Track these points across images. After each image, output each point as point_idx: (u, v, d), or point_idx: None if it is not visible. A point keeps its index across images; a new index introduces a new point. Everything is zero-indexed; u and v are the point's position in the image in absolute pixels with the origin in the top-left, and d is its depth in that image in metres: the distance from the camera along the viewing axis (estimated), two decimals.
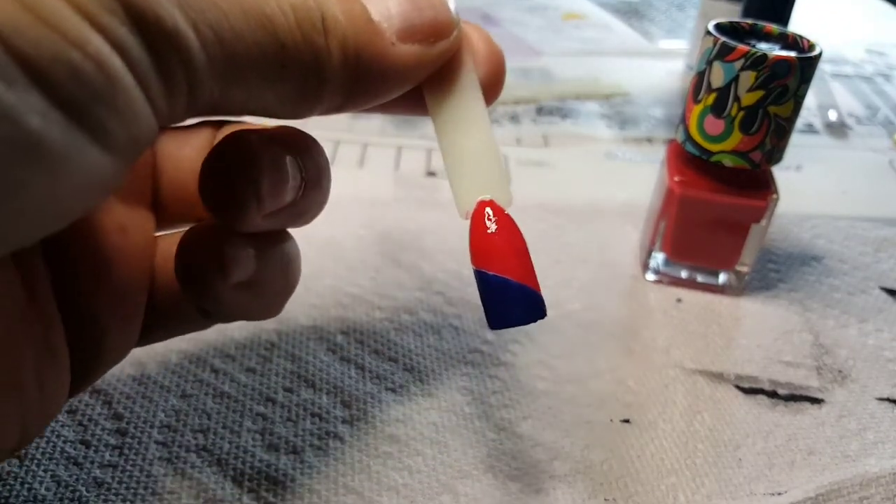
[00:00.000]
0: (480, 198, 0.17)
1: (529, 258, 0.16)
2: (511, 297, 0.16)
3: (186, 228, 0.18)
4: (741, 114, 0.26)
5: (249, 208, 0.15)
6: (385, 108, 0.18)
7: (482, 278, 0.16)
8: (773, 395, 0.26)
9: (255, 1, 0.12)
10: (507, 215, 0.17)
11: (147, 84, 0.11)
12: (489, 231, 0.16)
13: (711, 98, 0.27)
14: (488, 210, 0.16)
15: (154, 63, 0.11)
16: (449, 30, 0.16)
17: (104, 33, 0.10)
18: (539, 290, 0.16)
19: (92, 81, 0.10)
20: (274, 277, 0.18)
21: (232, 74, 0.12)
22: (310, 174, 0.17)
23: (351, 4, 0.14)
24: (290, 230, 0.19)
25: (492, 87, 0.17)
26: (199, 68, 0.12)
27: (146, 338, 0.19)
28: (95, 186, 0.11)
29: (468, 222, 0.17)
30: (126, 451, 0.22)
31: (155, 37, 0.11)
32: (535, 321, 0.16)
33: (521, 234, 0.17)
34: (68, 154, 0.10)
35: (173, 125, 0.13)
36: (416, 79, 0.16)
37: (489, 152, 0.17)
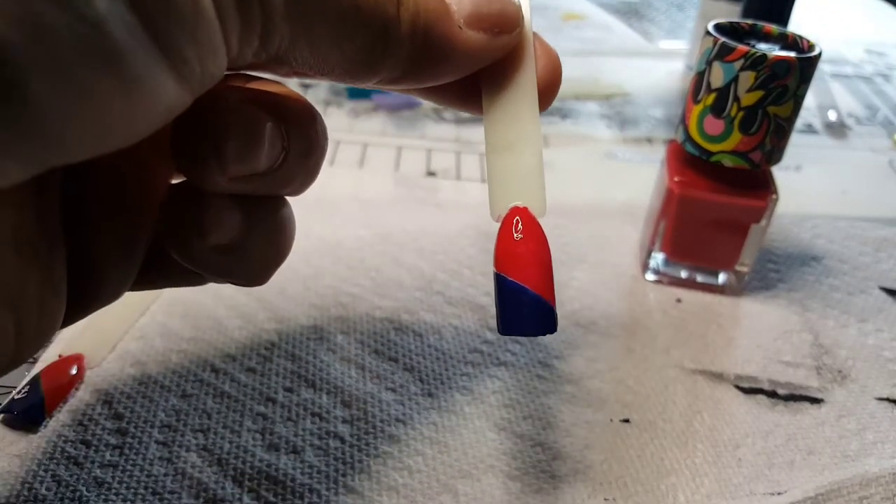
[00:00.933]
0: (514, 203, 0.16)
1: (551, 272, 0.16)
2: (525, 306, 0.16)
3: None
4: (741, 114, 0.26)
5: (211, 169, 0.15)
6: (435, 96, 0.18)
7: (501, 282, 0.16)
8: (772, 394, 0.26)
9: None
10: (538, 225, 0.16)
11: (226, 21, 0.11)
12: (516, 238, 0.16)
13: (711, 98, 0.27)
14: (519, 217, 0.16)
15: (236, 1, 0.11)
16: (514, 24, 0.16)
17: None
18: (554, 305, 0.16)
19: (180, 7, 0.10)
20: (260, 244, 0.17)
21: (303, 25, 0.12)
22: (295, 143, 0.16)
23: None
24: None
25: (547, 95, 0.17)
26: (275, 13, 0.12)
27: (140, 283, 0.18)
28: (160, 113, 0.11)
29: (498, 224, 0.17)
30: (126, 451, 0.22)
31: None
32: (544, 334, 0.16)
33: (548, 246, 0.16)
34: (145, 74, 0.10)
35: (238, 69, 0.13)
36: (476, 65, 0.16)
37: (533, 159, 0.16)
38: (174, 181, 0.18)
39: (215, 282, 0.19)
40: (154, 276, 0.18)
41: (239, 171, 0.15)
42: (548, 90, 0.17)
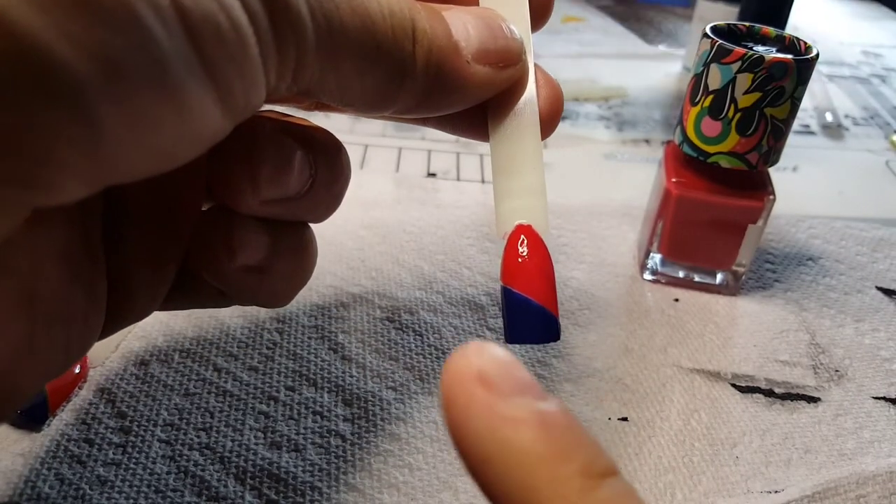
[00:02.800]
0: (519, 222, 0.18)
1: (554, 285, 0.18)
2: (530, 317, 0.17)
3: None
4: (738, 115, 0.26)
5: (245, 192, 0.16)
6: (444, 125, 0.20)
7: (507, 295, 0.17)
8: (769, 393, 0.26)
9: (361, 0, 0.14)
10: (542, 242, 0.18)
11: (267, 56, 0.12)
12: (521, 254, 0.17)
13: (709, 100, 0.27)
14: (524, 234, 0.17)
15: (275, 38, 0.12)
16: (517, 59, 0.17)
17: (244, 4, 0.12)
18: (557, 316, 0.17)
19: (230, 44, 0.11)
20: (285, 266, 0.18)
21: (331, 61, 0.14)
22: (321, 173, 0.17)
23: (438, 22, 0.16)
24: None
25: (550, 122, 0.19)
26: (308, 50, 0.13)
27: (168, 303, 0.19)
28: (206, 138, 0.12)
29: (503, 242, 0.18)
30: (129, 450, 0.22)
31: (281, 15, 0.12)
32: (548, 342, 0.17)
33: (551, 261, 0.18)
34: (197, 104, 0.11)
35: (273, 102, 0.15)
36: (484, 96, 0.17)
37: (536, 181, 0.18)
38: (205, 207, 0.19)
39: (240, 304, 0.20)
40: (182, 297, 0.19)
41: (271, 195, 0.16)
42: (551, 118, 0.18)
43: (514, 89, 0.18)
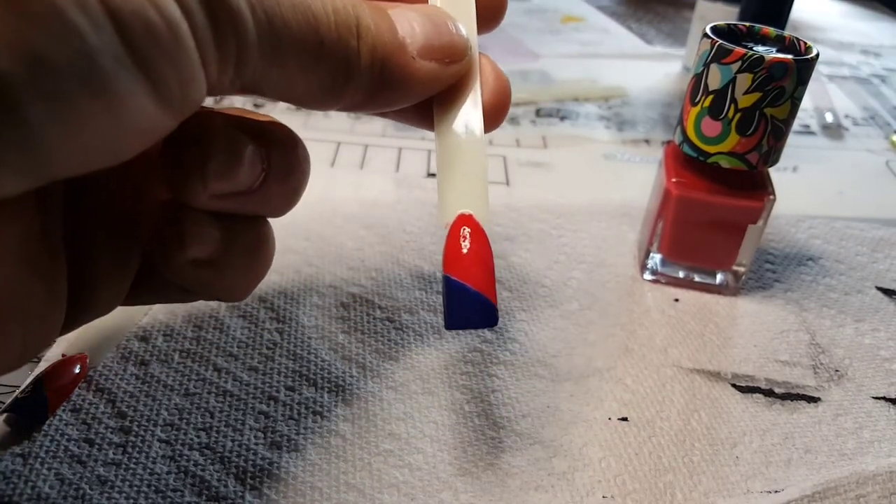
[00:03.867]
0: (461, 211, 0.18)
1: (493, 273, 0.18)
2: (468, 303, 0.18)
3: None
4: (738, 115, 0.26)
5: (194, 186, 0.16)
6: (398, 116, 0.20)
7: (447, 282, 0.18)
8: (769, 393, 0.26)
9: None
10: (482, 231, 0.18)
11: (205, 51, 0.12)
12: (462, 242, 0.18)
13: (709, 100, 0.27)
14: (465, 223, 0.18)
15: (213, 34, 0.13)
16: (462, 54, 0.18)
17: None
18: (495, 302, 0.18)
19: (162, 38, 0.11)
20: (238, 260, 0.18)
21: (274, 57, 0.14)
22: (275, 167, 0.17)
23: (383, 19, 0.16)
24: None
25: (496, 114, 0.19)
26: (249, 47, 0.13)
27: (132, 298, 0.19)
28: (145, 133, 0.12)
29: (447, 231, 0.18)
30: (129, 450, 0.22)
31: (219, 11, 0.12)
32: (486, 327, 0.18)
33: (490, 250, 0.18)
34: (130, 98, 0.11)
35: (216, 95, 0.15)
36: (430, 91, 0.18)
37: (478, 171, 0.18)
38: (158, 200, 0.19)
39: (200, 298, 0.20)
40: (144, 292, 0.19)
41: (220, 189, 0.16)
42: (497, 110, 0.19)
43: (458, 84, 0.18)
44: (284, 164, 0.18)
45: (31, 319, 0.15)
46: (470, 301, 0.18)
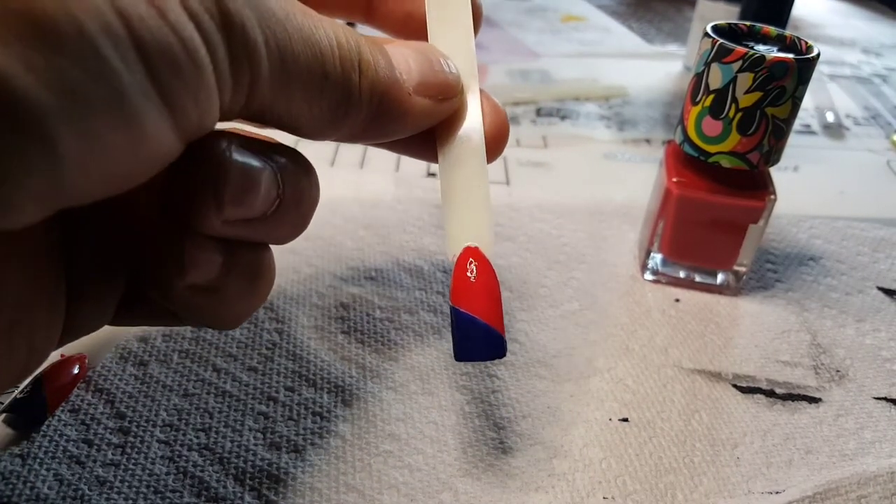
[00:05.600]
0: (467, 244, 0.19)
1: (500, 304, 0.19)
2: (477, 335, 0.18)
3: None
4: (739, 115, 0.26)
5: (207, 211, 0.15)
6: (399, 149, 0.21)
7: (455, 314, 0.18)
8: (770, 394, 0.26)
9: (311, 33, 0.15)
10: (488, 263, 0.19)
11: (221, 80, 0.13)
12: (469, 275, 0.18)
13: (709, 99, 0.27)
14: (471, 256, 0.19)
15: (231, 65, 0.13)
16: (454, 92, 0.19)
17: (200, 31, 0.12)
18: (503, 334, 0.18)
19: (184, 70, 0.12)
20: (237, 288, 0.17)
21: (282, 87, 0.15)
22: (288, 193, 0.17)
23: (382, 55, 0.17)
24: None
25: (495, 146, 0.20)
26: (261, 76, 0.14)
27: (119, 320, 0.19)
28: (159, 160, 0.13)
29: (453, 263, 0.19)
30: (128, 450, 0.22)
31: (237, 42, 0.13)
32: (494, 359, 0.19)
33: (497, 282, 0.19)
34: (154, 130, 0.12)
35: (224, 121, 0.15)
36: (423, 126, 0.19)
37: (482, 203, 0.19)
38: (156, 222, 0.19)
39: (190, 324, 0.19)
40: (133, 313, 0.19)
41: (234, 215, 0.16)
42: (495, 143, 0.20)
43: (458, 117, 0.20)
44: (297, 190, 0.17)
45: (35, 332, 0.15)
46: (478, 333, 0.18)
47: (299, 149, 0.18)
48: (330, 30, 0.16)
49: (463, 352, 0.18)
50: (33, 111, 0.10)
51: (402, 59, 0.18)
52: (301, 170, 0.17)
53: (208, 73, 0.12)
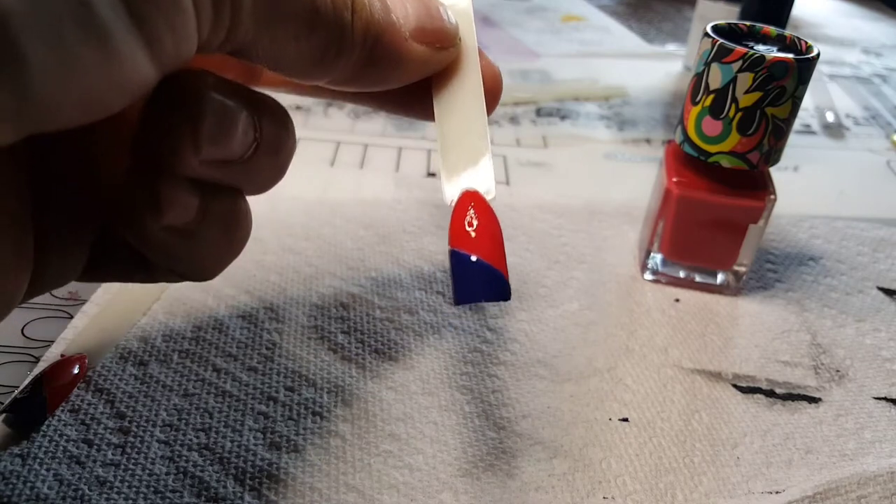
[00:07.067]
0: (466, 188, 0.18)
1: (502, 245, 0.18)
2: (478, 275, 0.17)
3: None
4: (739, 115, 0.26)
5: (184, 149, 0.15)
6: (390, 105, 0.20)
7: (455, 256, 0.17)
8: (770, 394, 0.26)
9: None
10: (488, 206, 0.18)
11: (201, 13, 0.12)
12: (469, 217, 0.18)
13: (709, 99, 0.27)
14: (471, 199, 0.18)
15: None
16: (452, 41, 0.18)
17: None
18: (507, 276, 0.17)
19: None
20: (214, 234, 0.17)
21: (267, 22, 0.14)
22: (266, 137, 0.17)
23: None
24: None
25: (490, 101, 0.19)
26: (244, 8, 0.13)
27: (90, 272, 0.18)
28: (133, 87, 0.12)
29: (451, 208, 0.18)
30: (128, 450, 0.22)
31: None
32: (498, 301, 0.17)
33: (498, 223, 0.18)
34: (124, 49, 0.11)
35: (203, 54, 0.14)
36: (419, 75, 0.18)
37: (482, 147, 0.18)
38: (125, 167, 0.18)
39: (164, 277, 0.19)
40: (103, 266, 0.18)
41: (212, 154, 0.15)
42: (490, 97, 0.19)
43: (459, 67, 0.19)
44: (276, 136, 0.17)
45: (4, 277, 0.15)
46: (478, 272, 0.17)
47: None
48: None
49: (463, 293, 0.17)
50: None
51: (399, 3, 0.17)
52: (278, 116, 0.17)
53: (186, 2, 0.12)
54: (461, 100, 0.19)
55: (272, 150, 0.17)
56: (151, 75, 0.12)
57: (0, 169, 0.14)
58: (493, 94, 0.20)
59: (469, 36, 0.19)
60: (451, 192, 0.18)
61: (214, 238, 0.17)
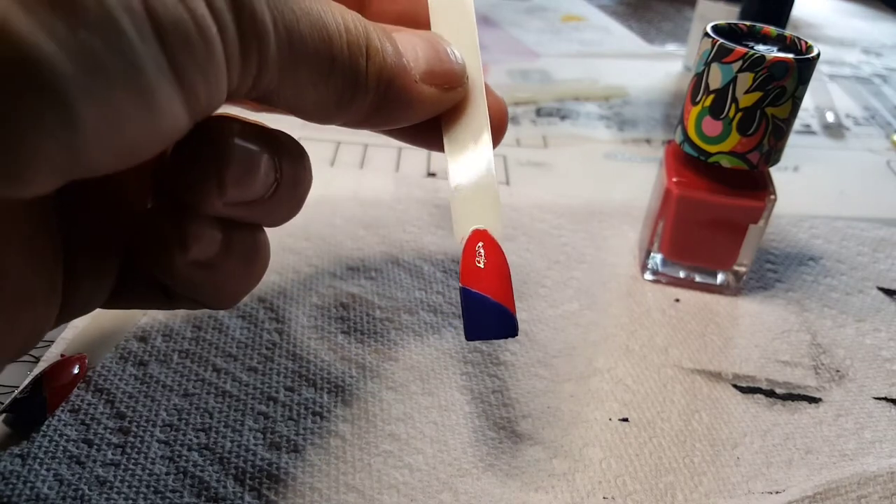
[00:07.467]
0: (476, 227, 0.19)
1: (510, 284, 0.19)
2: (488, 314, 0.18)
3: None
4: (739, 115, 0.26)
5: (210, 192, 0.16)
6: (404, 138, 0.22)
7: (465, 294, 0.18)
8: (770, 394, 0.26)
9: (319, 16, 0.15)
10: (497, 244, 0.19)
11: (230, 59, 0.13)
12: (478, 256, 0.19)
13: (709, 99, 0.27)
14: (480, 238, 0.19)
15: (240, 46, 0.13)
16: (459, 81, 0.19)
17: (211, 9, 0.12)
18: (514, 313, 0.18)
19: (197, 50, 0.12)
20: (236, 266, 0.18)
21: (290, 69, 0.15)
22: (286, 176, 0.18)
23: (389, 41, 0.18)
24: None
25: (495, 133, 0.20)
26: (269, 58, 0.14)
27: (113, 301, 0.19)
28: (167, 137, 0.13)
29: (462, 246, 0.19)
30: (128, 450, 0.22)
31: (247, 22, 0.13)
32: (506, 337, 0.19)
33: (506, 262, 0.19)
34: (165, 103, 0.12)
35: (231, 102, 0.15)
36: (429, 114, 0.19)
37: (490, 187, 0.19)
38: (150, 204, 0.19)
39: (185, 305, 0.20)
40: (126, 295, 0.19)
41: (235, 196, 0.16)
42: (496, 131, 0.21)
43: (464, 105, 0.20)
44: (294, 173, 0.18)
45: (34, 307, 0.15)
46: (488, 311, 0.18)
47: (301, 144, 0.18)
48: (338, 14, 0.16)
49: (473, 330, 0.18)
50: (54, 77, 0.10)
51: (410, 47, 0.18)
52: (296, 155, 0.18)
53: (218, 51, 0.13)
54: (470, 138, 0.20)
55: (291, 186, 0.18)
56: (185, 124, 0.13)
57: (37, 210, 0.15)
58: (498, 127, 0.21)
59: (476, 73, 0.20)
60: (461, 230, 0.19)
61: (235, 269, 0.18)
